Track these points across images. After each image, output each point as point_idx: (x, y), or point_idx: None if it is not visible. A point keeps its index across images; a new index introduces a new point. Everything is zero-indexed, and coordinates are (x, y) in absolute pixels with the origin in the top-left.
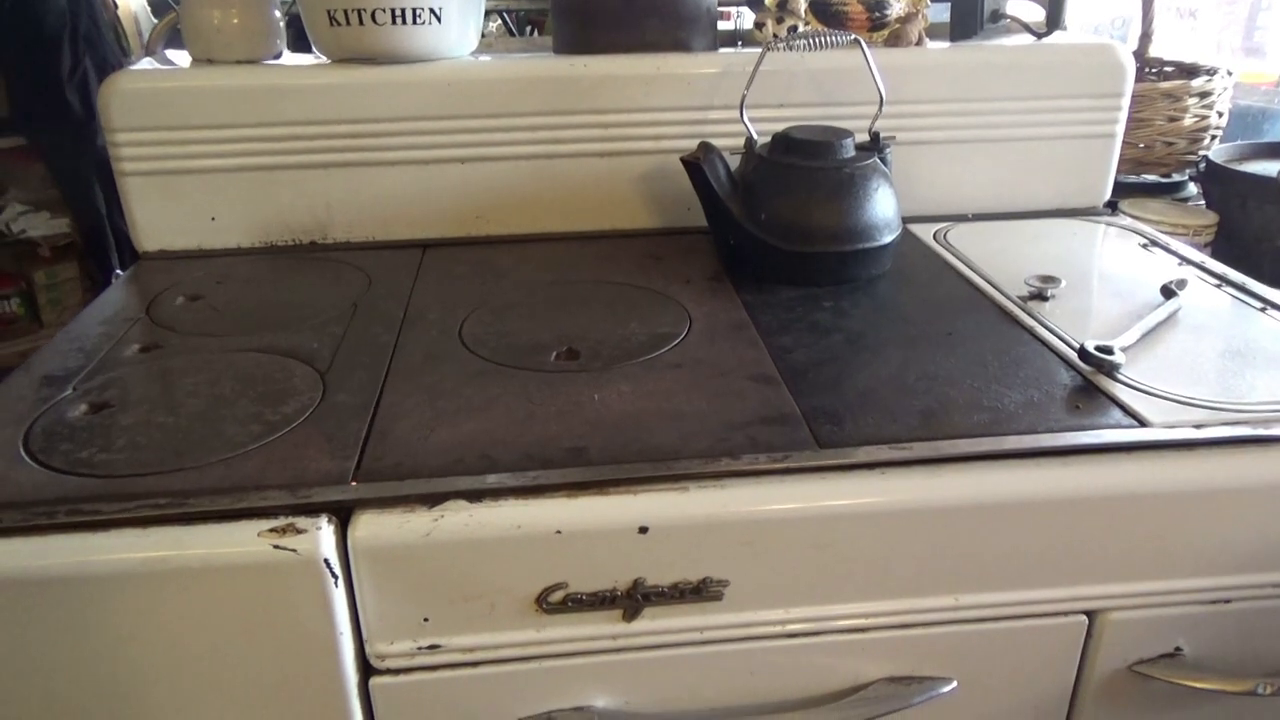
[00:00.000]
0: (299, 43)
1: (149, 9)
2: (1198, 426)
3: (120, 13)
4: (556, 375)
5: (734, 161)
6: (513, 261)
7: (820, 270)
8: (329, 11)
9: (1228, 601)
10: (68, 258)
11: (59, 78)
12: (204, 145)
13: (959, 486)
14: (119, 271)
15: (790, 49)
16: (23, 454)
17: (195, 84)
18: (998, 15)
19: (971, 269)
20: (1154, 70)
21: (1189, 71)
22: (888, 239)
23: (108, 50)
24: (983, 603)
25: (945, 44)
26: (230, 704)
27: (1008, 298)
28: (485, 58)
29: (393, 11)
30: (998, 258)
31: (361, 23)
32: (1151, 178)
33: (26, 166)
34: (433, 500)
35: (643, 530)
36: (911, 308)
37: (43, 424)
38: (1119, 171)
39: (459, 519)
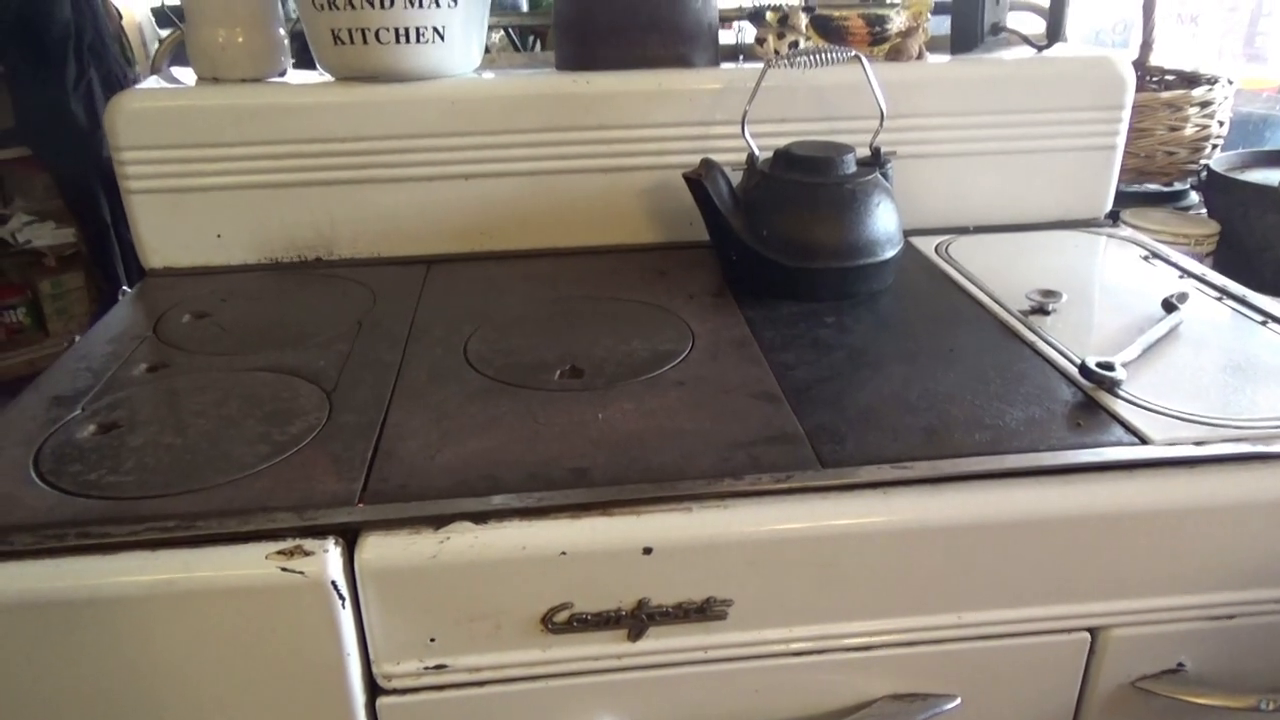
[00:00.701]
0: (303, 60)
1: (153, 20)
2: (1199, 444)
3: (125, 23)
4: (560, 394)
5: (736, 177)
6: (516, 277)
7: (822, 286)
8: (333, 30)
9: (1230, 618)
10: (73, 267)
11: (64, 89)
12: (209, 163)
13: (961, 505)
14: (126, 288)
15: (792, 65)
16: (33, 475)
17: (200, 103)
18: (998, 28)
19: (973, 283)
20: (1155, 79)
21: (1190, 80)
22: (889, 254)
23: (112, 61)
24: (986, 620)
25: (946, 57)
26: None
27: (1009, 312)
28: (488, 75)
29: (396, 31)
30: (999, 271)
31: (365, 42)
32: (1153, 187)
33: (31, 176)
34: (439, 522)
35: (647, 551)
36: (913, 323)
37: (52, 445)
38: (1121, 181)
39: (465, 540)
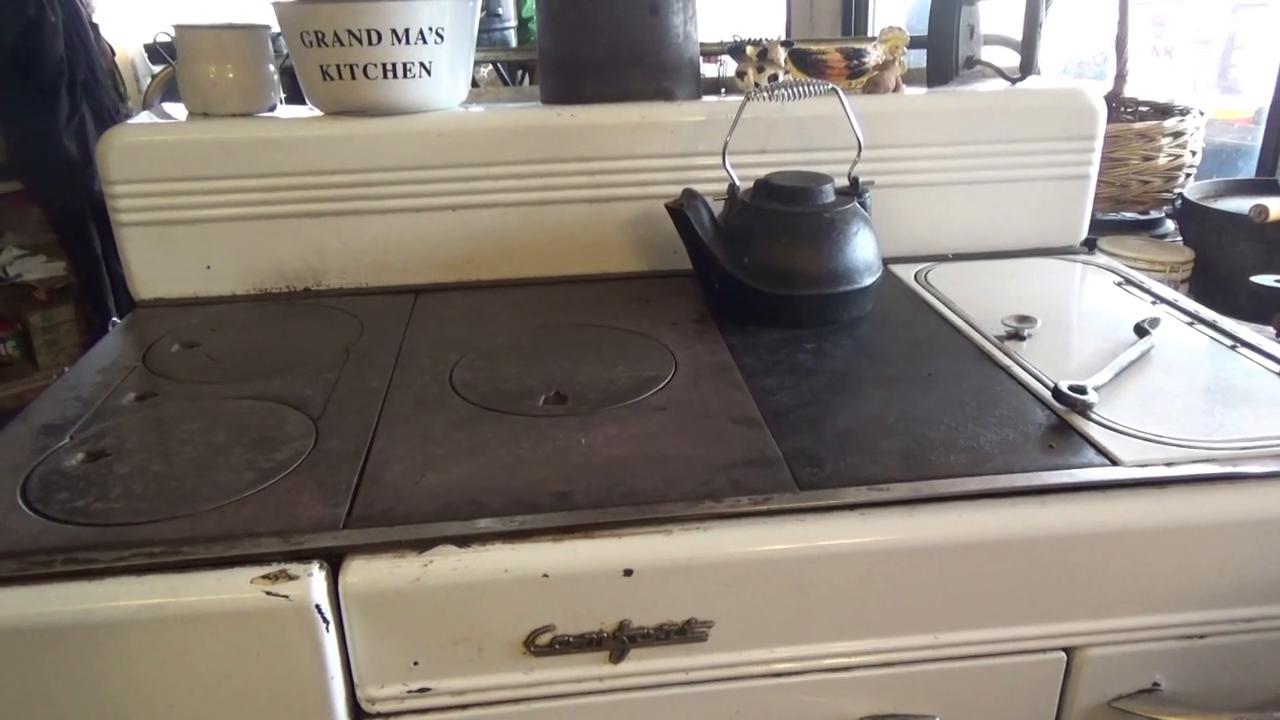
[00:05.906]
0: (293, 94)
1: (146, 57)
2: (1169, 465)
3: (118, 60)
4: (544, 419)
5: (718, 207)
6: (503, 306)
7: (802, 313)
8: (322, 67)
9: (1203, 637)
10: (64, 300)
11: (57, 124)
12: (200, 196)
13: (937, 526)
14: (115, 319)
15: (771, 98)
16: (20, 503)
17: (191, 137)
18: (972, 61)
19: (951, 309)
20: (1129, 110)
21: (1163, 111)
22: (868, 281)
23: (104, 97)
24: (963, 640)
25: (922, 90)
26: None
27: (985, 338)
28: (475, 108)
29: (384, 67)
30: (977, 298)
31: (354, 77)
32: (1130, 215)
33: (23, 210)
34: (422, 545)
35: (628, 573)
36: (892, 348)
37: (40, 473)
38: (1098, 209)
39: (448, 564)
